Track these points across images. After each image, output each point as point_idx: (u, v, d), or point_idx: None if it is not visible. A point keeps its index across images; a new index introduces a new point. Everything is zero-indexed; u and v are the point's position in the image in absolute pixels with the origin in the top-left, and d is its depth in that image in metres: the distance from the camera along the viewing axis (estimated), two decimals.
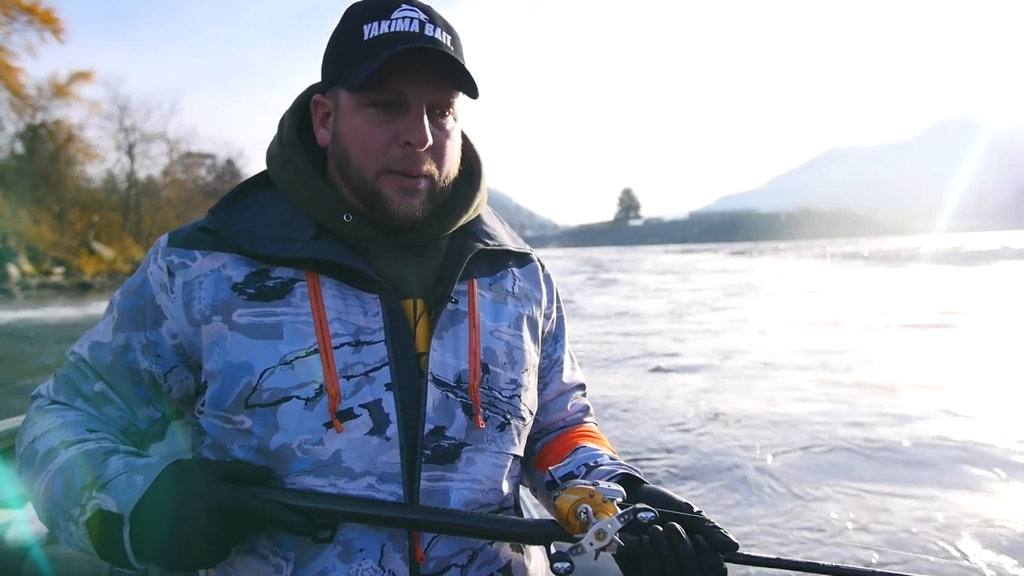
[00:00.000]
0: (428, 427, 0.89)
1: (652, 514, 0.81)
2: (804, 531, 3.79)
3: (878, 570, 0.80)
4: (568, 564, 0.78)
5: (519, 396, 0.98)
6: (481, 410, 0.93)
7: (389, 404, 0.87)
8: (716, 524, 0.84)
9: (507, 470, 0.97)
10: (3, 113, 35.24)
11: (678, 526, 0.82)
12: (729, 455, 5.06)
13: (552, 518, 0.85)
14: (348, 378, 0.87)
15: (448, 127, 0.92)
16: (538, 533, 0.85)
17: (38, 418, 0.91)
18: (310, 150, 0.97)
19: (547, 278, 1.12)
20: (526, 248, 1.10)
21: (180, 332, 0.90)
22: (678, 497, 0.88)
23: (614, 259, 68.85)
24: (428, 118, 0.88)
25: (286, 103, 1.02)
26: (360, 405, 0.87)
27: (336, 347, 0.87)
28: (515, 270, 1.06)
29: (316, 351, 0.86)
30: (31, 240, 34.12)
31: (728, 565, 0.83)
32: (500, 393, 0.96)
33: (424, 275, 0.95)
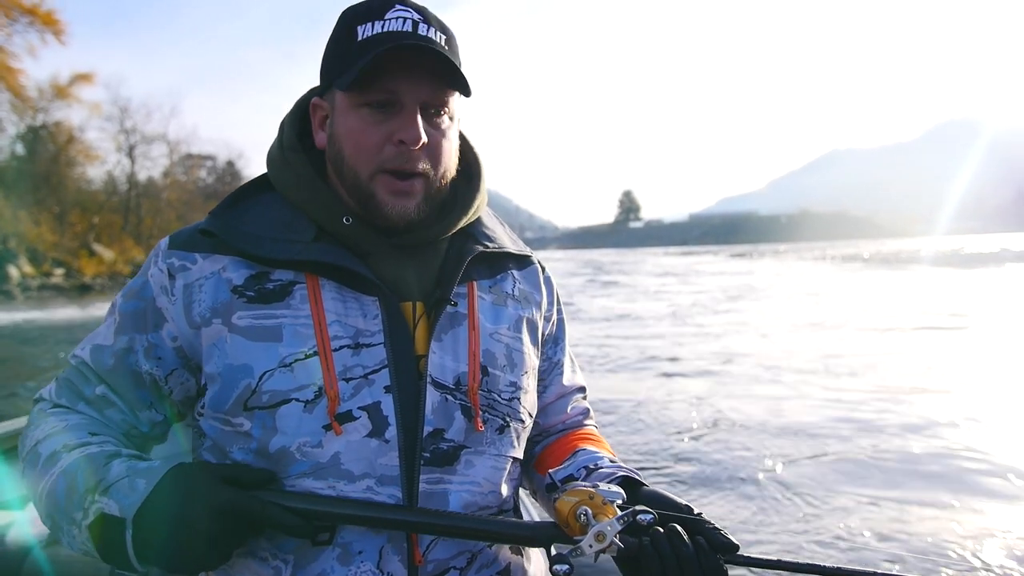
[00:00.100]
0: (427, 429, 0.89)
1: (651, 516, 0.81)
2: (812, 538, 3.78)
3: (879, 571, 0.80)
4: (567, 566, 0.78)
5: (518, 399, 0.98)
6: (480, 412, 0.93)
7: (388, 406, 0.87)
8: (716, 526, 0.84)
9: (506, 473, 0.96)
10: (4, 114, 35.30)
11: (678, 527, 0.82)
12: (733, 461, 5.02)
13: (552, 520, 0.85)
14: (347, 380, 0.87)
15: (444, 126, 0.91)
16: (538, 535, 0.85)
17: (40, 421, 0.91)
18: (310, 153, 0.97)
19: (547, 280, 1.11)
20: (526, 250, 1.09)
21: (180, 335, 0.90)
22: (678, 499, 0.88)
23: (614, 261, 68.85)
24: (423, 117, 0.88)
25: (286, 104, 1.03)
26: (359, 407, 0.87)
27: (335, 349, 0.87)
28: (515, 272, 1.06)
29: (315, 353, 0.86)
30: (31, 241, 34.12)
31: (729, 567, 0.83)
32: (499, 395, 0.95)
33: (424, 277, 0.95)
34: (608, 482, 0.91)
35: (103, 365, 0.92)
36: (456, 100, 0.93)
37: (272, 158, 0.98)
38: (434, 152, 0.91)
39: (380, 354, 0.89)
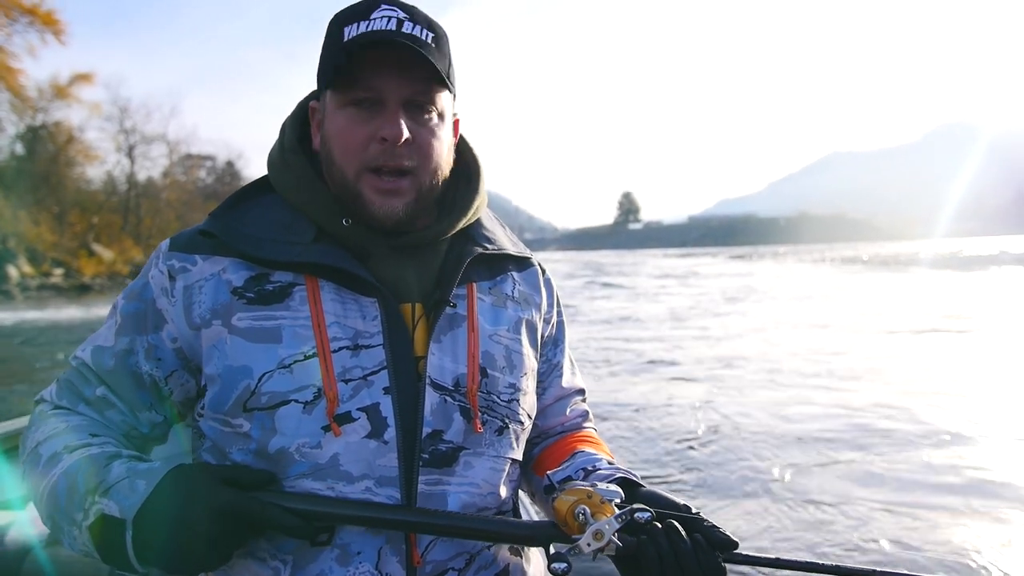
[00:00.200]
0: (426, 431, 0.89)
1: (649, 514, 0.81)
2: (815, 540, 3.77)
3: (878, 569, 0.80)
4: (565, 565, 0.79)
5: (518, 400, 0.98)
6: (479, 414, 0.93)
7: (387, 408, 0.88)
8: (715, 524, 0.84)
9: (505, 474, 0.96)
10: (3, 114, 35.33)
11: (676, 524, 0.82)
12: (736, 467, 4.97)
13: (551, 520, 0.85)
14: (346, 382, 0.87)
15: (431, 123, 0.91)
16: (537, 534, 0.85)
17: (41, 423, 0.91)
18: (311, 155, 0.98)
19: (547, 282, 1.12)
20: (526, 252, 1.10)
21: (180, 336, 0.90)
22: (676, 499, 0.88)
23: (614, 263, 68.85)
24: (407, 114, 0.88)
25: (286, 105, 1.03)
26: (358, 409, 0.87)
27: (334, 351, 0.87)
28: (515, 274, 1.06)
29: (315, 355, 0.87)
30: (31, 241, 34.12)
31: (728, 565, 0.83)
32: (498, 397, 0.95)
33: (423, 279, 0.96)
34: (606, 483, 0.91)
35: (104, 366, 0.92)
36: (447, 98, 0.93)
37: (272, 160, 0.98)
38: (421, 149, 0.90)
39: (379, 355, 0.89)
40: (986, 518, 4.04)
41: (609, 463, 1.00)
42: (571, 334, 1.16)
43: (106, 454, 0.85)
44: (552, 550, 0.82)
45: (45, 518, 0.87)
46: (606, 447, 1.09)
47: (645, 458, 5.27)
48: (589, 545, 0.78)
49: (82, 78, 38.67)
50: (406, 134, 0.87)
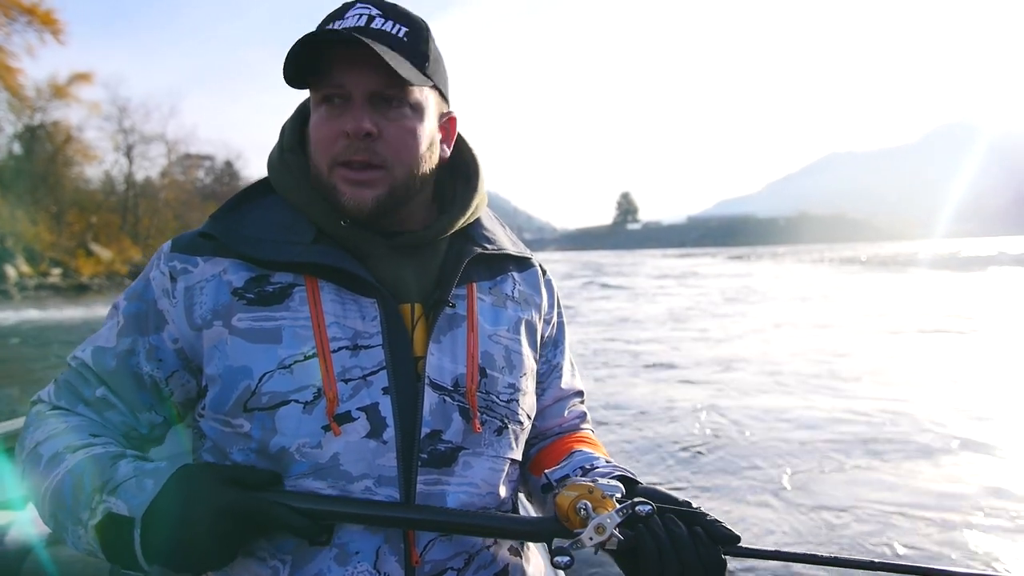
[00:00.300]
0: (424, 431, 0.89)
1: (650, 507, 0.82)
2: (820, 541, 3.77)
3: (876, 560, 0.82)
4: (568, 558, 0.80)
5: (517, 400, 0.98)
6: (478, 414, 0.93)
7: (386, 408, 0.88)
8: (716, 518, 0.85)
9: (504, 474, 0.97)
10: (2, 114, 35.27)
11: (675, 518, 0.83)
12: (739, 468, 4.94)
13: (552, 515, 0.86)
14: (346, 381, 0.87)
15: (402, 117, 0.90)
16: (539, 530, 0.86)
17: (40, 423, 0.91)
18: (310, 157, 0.98)
19: (548, 283, 1.12)
20: (526, 252, 1.10)
21: (182, 336, 0.91)
22: (676, 495, 0.89)
23: (613, 263, 68.87)
24: (374, 108, 0.89)
25: (286, 105, 1.03)
26: (358, 408, 0.87)
27: (334, 351, 0.88)
28: (515, 274, 1.07)
29: (314, 355, 0.87)
30: (29, 241, 34.08)
31: (729, 559, 0.83)
32: (498, 397, 0.96)
33: (422, 278, 0.96)
34: (607, 479, 0.91)
35: (105, 367, 0.92)
36: (424, 92, 0.92)
37: (272, 162, 0.99)
38: (391, 143, 0.89)
39: (378, 355, 0.89)
40: (990, 514, 4.05)
41: (607, 462, 1.01)
42: (570, 335, 1.16)
43: (110, 454, 0.85)
44: (554, 544, 0.83)
45: (47, 517, 0.87)
46: (603, 448, 1.09)
47: (648, 462, 5.22)
48: (591, 539, 0.79)
49: (81, 78, 38.66)
50: (366, 128, 0.87)
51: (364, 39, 0.84)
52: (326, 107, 0.90)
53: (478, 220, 1.05)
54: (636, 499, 0.82)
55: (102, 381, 0.92)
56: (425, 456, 0.89)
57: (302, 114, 1.01)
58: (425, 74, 0.91)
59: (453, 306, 0.95)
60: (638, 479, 0.94)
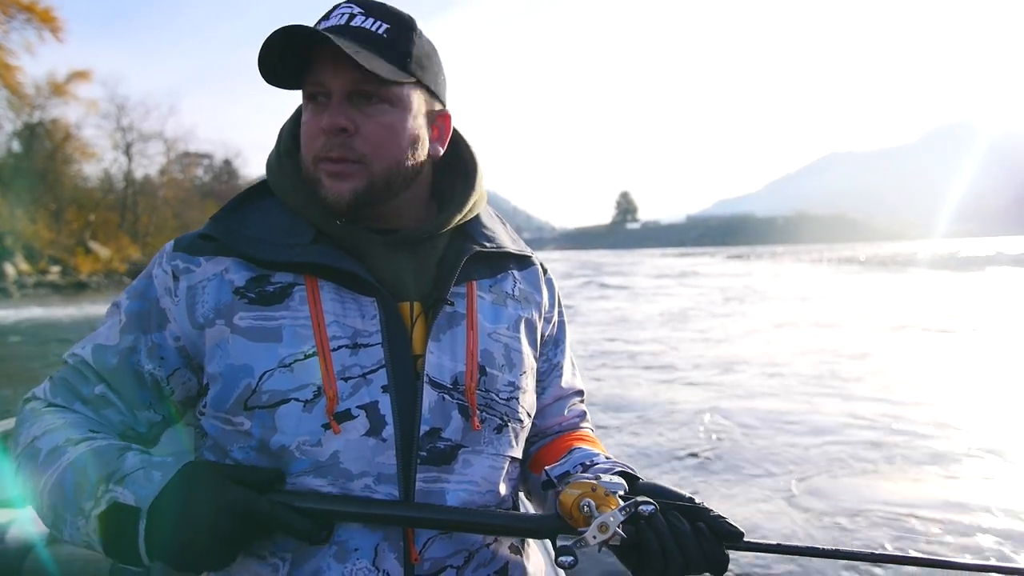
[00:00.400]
0: (424, 428, 0.90)
1: (653, 507, 0.82)
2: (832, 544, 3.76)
3: (876, 552, 0.84)
4: (572, 558, 0.80)
5: (517, 398, 0.98)
6: (478, 412, 0.93)
7: (385, 406, 0.88)
8: (719, 514, 0.85)
9: (504, 472, 0.97)
10: (1, 112, 35.23)
11: (678, 514, 0.84)
12: (746, 474, 4.89)
13: (555, 512, 0.86)
14: (346, 380, 0.88)
15: (379, 113, 0.90)
16: (542, 527, 0.86)
17: (35, 419, 0.90)
18: None
19: (549, 282, 1.12)
20: (527, 250, 1.10)
21: (183, 335, 0.91)
22: (678, 490, 0.90)
23: (612, 262, 68.89)
24: (353, 105, 0.89)
25: (285, 105, 1.03)
26: (357, 406, 0.88)
27: (334, 349, 0.88)
28: (516, 272, 1.07)
29: (314, 354, 0.88)
30: (28, 239, 34.05)
31: (731, 553, 0.84)
32: (497, 395, 0.96)
33: (420, 277, 0.96)
34: (609, 475, 0.91)
35: (105, 364, 0.91)
36: (407, 88, 0.92)
37: (271, 164, 1.00)
38: (368, 139, 0.90)
39: (378, 354, 0.90)
40: (998, 513, 4.05)
41: (607, 458, 1.01)
42: (569, 335, 1.16)
43: (116, 446, 0.86)
44: (558, 543, 0.83)
45: (45, 510, 0.86)
46: (602, 446, 1.09)
47: (650, 465, 5.18)
48: (595, 537, 0.80)
49: (79, 75, 38.61)
50: (339, 123, 0.88)
51: (332, 36, 0.85)
52: (311, 105, 0.92)
53: (478, 218, 1.05)
54: (639, 498, 0.82)
55: (102, 379, 0.91)
56: (424, 454, 0.89)
57: (298, 117, 1.01)
58: (407, 71, 0.91)
59: (452, 304, 0.95)
60: (639, 475, 0.94)
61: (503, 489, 0.97)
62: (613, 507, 0.81)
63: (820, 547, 0.86)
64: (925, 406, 6.57)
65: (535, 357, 1.06)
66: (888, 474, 4.78)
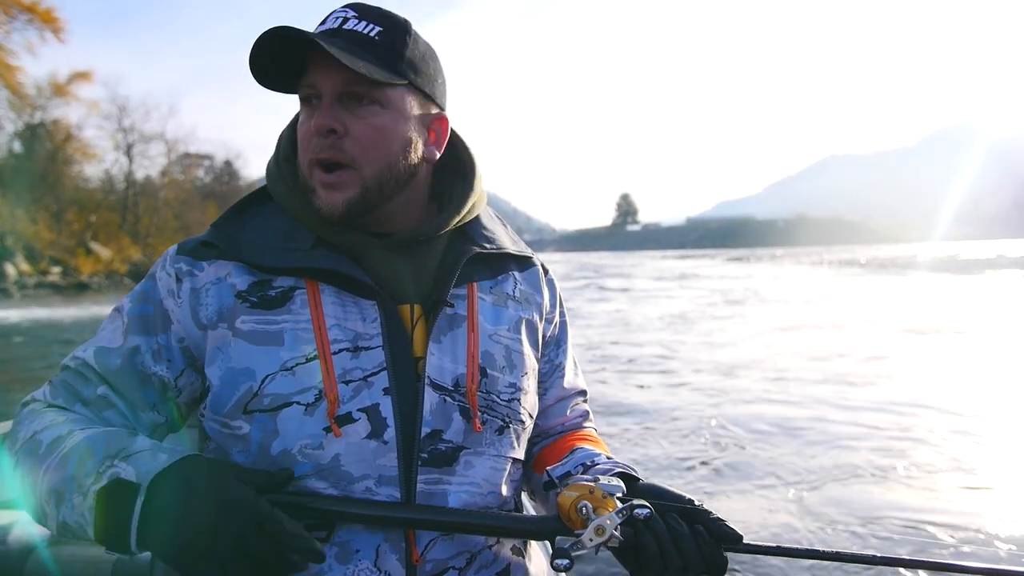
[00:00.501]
0: (425, 431, 0.90)
1: (648, 510, 0.82)
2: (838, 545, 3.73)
3: (879, 554, 0.83)
4: (567, 561, 0.80)
5: (518, 400, 0.98)
6: (479, 414, 0.94)
7: (387, 408, 0.89)
8: (719, 516, 0.85)
9: (506, 473, 0.97)
10: (2, 112, 35.25)
11: (677, 516, 0.84)
12: (750, 481, 4.81)
13: (555, 515, 0.86)
14: (347, 383, 0.88)
15: (370, 115, 0.90)
16: (541, 529, 0.87)
17: (35, 417, 0.89)
18: None
19: (550, 282, 1.12)
20: (527, 251, 1.10)
21: (187, 336, 0.91)
22: (677, 491, 0.90)
23: (612, 264, 68.87)
24: (343, 107, 0.90)
25: (286, 106, 1.07)
26: (359, 409, 0.88)
27: (335, 353, 0.88)
28: (516, 274, 1.07)
29: (316, 357, 0.88)
30: (28, 239, 34.05)
31: (731, 555, 0.84)
32: (498, 397, 0.96)
33: (419, 279, 0.96)
34: (607, 477, 0.91)
35: (109, 366, 0.91)
36: (399, 89, 0.92)
37: (270, 170, 1.00)
38: (359, 141, 0.90)
39: (379, 357, 0.90)
40: (1008, 517, 4.04)
41: (608, 458, 1.01)
42: (571, 335, 1.16)
43: (126, 430, 0.85)
44: (557, 545, 0.83)
45: (44, 495, 0.81)
46: (605, 445, 1.09)
47: (657, 470, 5.11)
48: (592, 540, 0.80)
49: (81, 76, 38.63)
50: (328, 124, 0.89)
51: (320, 39, 0.86)
52: (305, 108, 0.93)
53: (477, 219, 1.05)
54: (635, 501, 0.83)
55: (104, 380, 0.91)
56: (425, 456, 0.90)
57: (297, 123, 1.01)
58: (398, 73, 0.91)
59: (453, 306, 0.96)
60: (639, 476, 0.95)
61: (505, 490, 0.97)
62: (610, 509, 0.81)
63: (820, 549, 0.86)
64: (934, 411, 6.50)
65: (536, 358, 1.06)
66: (898, 480, 4.72)
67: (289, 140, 1.00)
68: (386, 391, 0.89)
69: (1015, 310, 16.27)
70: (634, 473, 0.96)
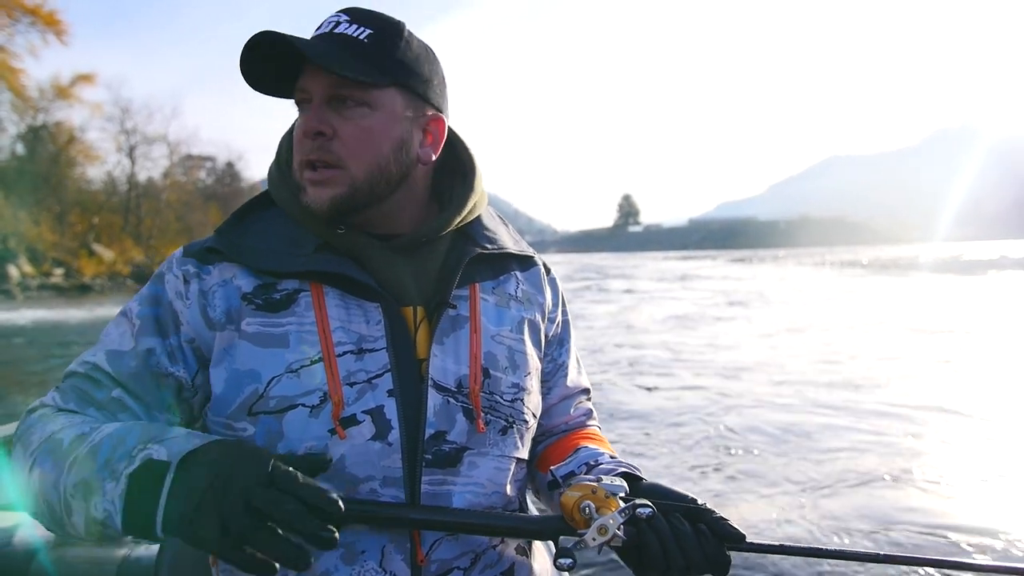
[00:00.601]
0: (429, 432, 0.90)
1: (650, 510, 0.83)
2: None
3: (882, 553, 0.84)
4: (571, 560, 0.81)
5: (521, 400, 0.99)
6: (482, 414, 0.94)
7: (391, 410, 0.89)
8: (722, 516, 0.86)
9: (510, 473, 0.98)
10: (5, 114, 35.37)
11: (680, 515, 0.85)
12: (759, 485, 4.74)
13: (558, 514, 0.87)
14: (351, 385, 0.89)
15: (358, 117, 0.91)
16: (545, 528, 0.87)
17: (48, 421, 0.86)
18: None
19: (552, 282, 1.13)
20: (529, 251, 1.10)
21: (198, 336, 0.91)
22: (680, 491, 0.90)
23: (614, 265, 68.82)
24: (331, 109, 0.91)
25: (284, 107, 1.04)
26: (363, 411, 0.88)
27: (339, 355, 0.89)
28: (518, 274, 1.07)
29: (320, 359, 0.88)
30: (31, 241, 34.11)
31: (733, 553, 0.85)
32: (502, 397, 0.97)
33: (421, 280, 0.97)
34: (610, 477, 0.92)
35: (123, 369, 0.90)
36: (388, 92, 0.92)
37: (271, 175, 1.01)
38: (346, 142, 0.91)
39: (383, 359, 0.91)
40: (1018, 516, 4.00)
41: (611, 457, 1.01)
42: (574, 334, 1.16)
43: (160, 423, 0.85)
44: (559, 546, 0.84)
45: (70, 487, 0.77)
46: (609, 444, 1.10)
47: (660, 473, 5.05)
48: (594, 539, 0.81)
49: (83, 78, 38.73)
50: (315, 127, 0.90)
51: (298, 44, 0.87)
52: (299, 111, 0.94)
53: (479, 220, 1.05)
54: (637, 501, 0.83)
55: (118, 383, 0.89)
56: (429, 457, 0.90)
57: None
58: (387, 74, 0.92)
59: (455, 307, 0.96)
60: (642, 475, 0.95)
61: (509, 490, 0.98)
62: (613, 509, 0.82)
63: (823, 548, 0.87)
64: (944, 412, 6.44)
65: (539, 358, 1.06)
66: (907, 482, 4.67)
67: (289, 145, 1.01)
68: (390, 393, 0.90)
69: (1021, 311, 16.20)
70: (637, 473, 0.96)
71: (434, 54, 0.99)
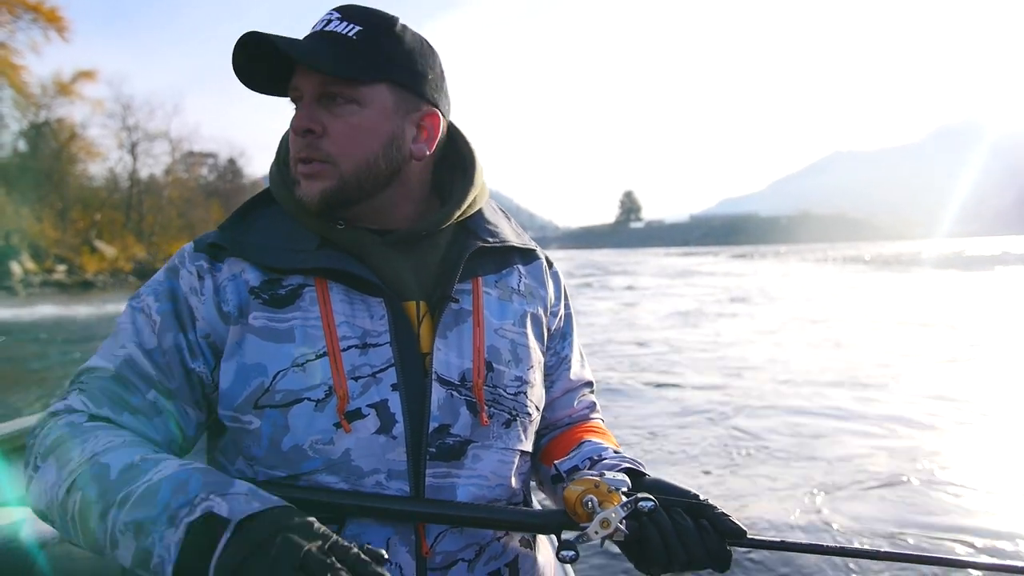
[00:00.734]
0: (433, 425, 0.91)
1: (652, 503, 0.84)
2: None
3: (882, 549, 0.85)
4: (573, 553, 0.82)
5: (525, 393, 1.00)
6: (486, 408, 0.95)
7: (395, 404, 0.90)
8: (723, 511, 0.86)
9: (514, 466, 0.98)
10: (7, 111, 35.38)
11: (682, 511, 0.86)
12: (765, 483, 4.72)
13: (561, 508, 0.88)
14: (356, 379, 0.89)
15: (347, 114, 0.92)
16: (548, 522, 0.88)
17: (86, 435, 0.83)
18: None
19: (554, 275, 1.13)
20: (531, 244, 1.10)
21: (213, 331, 0.92)
22: (683, 486, 0.91)
23: (616, 261, 68.93)
24: (323, 106, 0.92)
25: (285, 106, 1.04)
26: (368, 405, 0.89)
27: (344, 349, 0.90)
28: (521, 267, 1.08)
29: (325, 354, 0.89)
30: (34, 238, 34.15)
31: (735, 550, 0.85)
32: (505, 390, 0.97)
33: (422, 275, 0.97)
34: (613, 472, 0.92)
35: (152, 368, 0.90)
36: (377, 89, 0.93)
37: (272, 174, 1.02)
38: (336, 139, 0.92)
39: (387, 353, 0.91)
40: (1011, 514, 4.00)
41: (615, 452, 1.02)
42: (576, 329, 1.16)
43: (222, 474, 0.81)
44: (562, 539, 0.85)
45: (120, 524, 0.76)
46: (613, 437, 1.10)
47: (663, 466, 5.05)
48: (597, 533, 0.81)
49: (85, 75, 38.72)
50: (304, 125, 0.92)
51: (278, 43, 0.88)
52: (294, 109, 0.95)
53: (480, 213, 1.06)
54: (640, 495, 0.84)
55: (151, 384, 0.89)
56: (434, 450, 0.91)
57: None
58: (377, 70, 0.92)
59: (458, 301, 0.97)
60: (645, 471, 0.96)
61: (513, 483, 0.98)
62: (615, 503, 0.82)
63: (824, 544, 0.87)
64: (952, 412, 6.41)
65: (542, 351, 1.07)
66: (918, 482, 4.66)
67: (288, 144, 1.01)
68: (394, 387, 0.90)
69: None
70: (641, 468, 0.96)
71: (430, 48, 0.99)
